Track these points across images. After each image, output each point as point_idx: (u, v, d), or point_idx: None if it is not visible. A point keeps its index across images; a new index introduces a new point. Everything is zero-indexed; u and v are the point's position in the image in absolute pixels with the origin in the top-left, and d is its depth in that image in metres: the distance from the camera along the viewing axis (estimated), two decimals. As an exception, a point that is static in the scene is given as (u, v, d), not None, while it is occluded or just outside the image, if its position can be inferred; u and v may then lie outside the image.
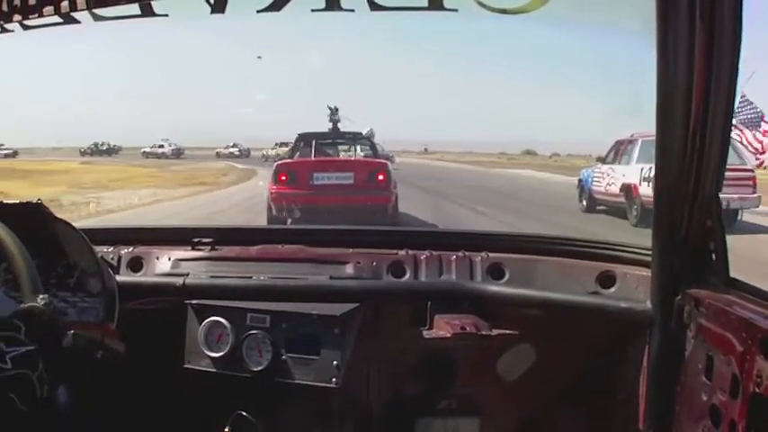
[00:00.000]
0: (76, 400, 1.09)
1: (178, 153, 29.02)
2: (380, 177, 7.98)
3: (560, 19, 1.47)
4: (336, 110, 9.26)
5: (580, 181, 12.22)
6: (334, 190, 7.74)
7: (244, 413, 1.38)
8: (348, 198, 7.61)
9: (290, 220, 7.47)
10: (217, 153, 30.57)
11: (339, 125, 9.58)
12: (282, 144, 23.72)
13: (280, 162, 8.73)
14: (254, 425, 1.38)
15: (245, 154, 30.06)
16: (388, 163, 8.55)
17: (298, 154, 9.09)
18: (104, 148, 29.89)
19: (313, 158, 8.77)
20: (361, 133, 9.53)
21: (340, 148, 9.96)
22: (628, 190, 9.93)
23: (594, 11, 1.47)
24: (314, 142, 9.11)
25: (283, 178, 7.99)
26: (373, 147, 9.45)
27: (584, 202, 11.80)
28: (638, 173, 9.48)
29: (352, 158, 9.17)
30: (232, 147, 31.09)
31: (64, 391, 1.11)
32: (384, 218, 7.49)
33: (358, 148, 9.57)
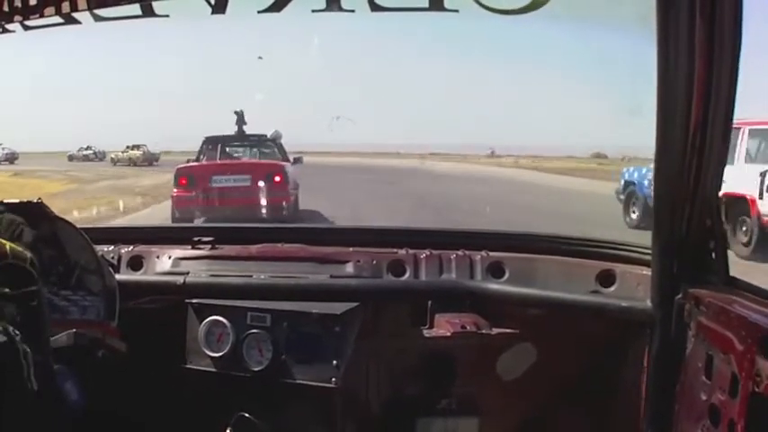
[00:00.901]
0: (86, 398, 1.10)
1: (102, 157, 26.07)
2: (277, 179, 8.17)
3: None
4: (242, 113, 9.23)
5: (628, 185, 9.02)
6: (232, 192, 7.95)
7: (246, 414, 1.38)
8: (246, 199, 7.85)
9: (195, 221, 7.50)
10: (69, 156, 26.33)
11: (248, 128, 9.63)
12: (135, 146, 23.20)
13: (180, 166, 8.85)
14: (257, 426, 1.38)
15: (99, 157, 26.34)
16: (286, 165, 8.70)
17: (204, 157, 9.25)
18: (89, 153, 27.95)
19: (212, 162, 8.94)
20: (265, 135, 9.59)
21: (247, 150, 10.17)
22: (735, 203, 6.79)
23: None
24: (219, 146, 9.34)
25: (184, 182, 8.16)
26: (280, 148, 9.49)
27: (636, 214, 8.63)
28: (754, 178, 6.70)
29: (250, 161, 9.32)
30: (86, 149, 26.84)
31: (74, 388, 1.12)
32: (280, 216, 7.70)
33: (261, 151, 9.74)
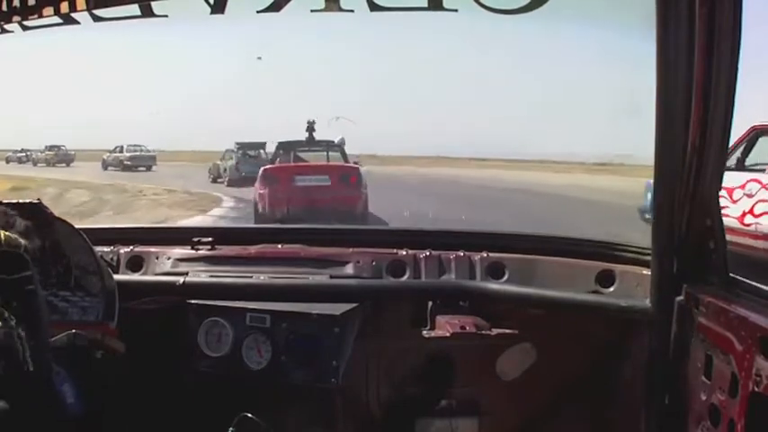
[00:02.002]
0: (83, 401, 1.10)
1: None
2: (352, 179, 9.21)
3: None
4: (313, 122, 10.50)
5: None
6: (313, 190, 8.88)
7: (249, 414, 1.38)
8: (325, 197, 8.73)
9: (278, 215, 8.62)
10: (7, 159, 25.40)
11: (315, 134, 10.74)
12: (53, 147, 23.45)
13: (266, 167, 9.82)
14: (259, 426, 1.38)
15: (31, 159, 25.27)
16: (360, 167, 9.71)
17: (278, 160, 10.32)
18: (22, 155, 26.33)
19: (294, 163, 10.08)
20: (333, 141, 10.58)
21: (314, 154, 11.08)
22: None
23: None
24: (292, 150, 10.50)
25: (269, 181, 9.10)
26: (343, 153, 10.50)
27: None
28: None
29: (328, 163, 10.18)
30: (20, 152, 26.05)
31: (71, 392, 1.12)
32: (354, 214, 8.69)
33: (332, 155, 10.60)
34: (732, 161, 6.07)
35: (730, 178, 5.77)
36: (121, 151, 21.67)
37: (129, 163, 21.30)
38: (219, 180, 16.81)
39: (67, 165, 23.01)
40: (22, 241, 1.03)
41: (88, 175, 17.71)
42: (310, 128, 10.48)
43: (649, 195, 6.71)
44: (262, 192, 9.03)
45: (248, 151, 16.58)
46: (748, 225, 5.70)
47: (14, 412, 0.94)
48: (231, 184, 15.64)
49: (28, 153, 26.01)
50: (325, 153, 10.67)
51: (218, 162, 17.53)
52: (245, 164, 15.98)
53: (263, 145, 16.64)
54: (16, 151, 26.68)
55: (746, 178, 5.86)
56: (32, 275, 1.02)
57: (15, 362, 0.93)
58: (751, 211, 5.72)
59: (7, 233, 1.01)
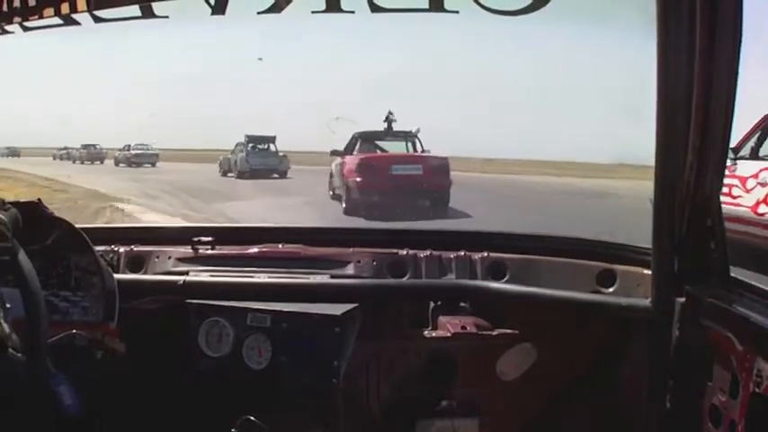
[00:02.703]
0: (82, 402, 1.10)
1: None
2: (442, 169, 10.23)
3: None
4: (391, 113, 11.56)
5: None
6: (406, 178, 9.92)
7: (251, 418, 1.38)
8: (418, 184, 9.87)
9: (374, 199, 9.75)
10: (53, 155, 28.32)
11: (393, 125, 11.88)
12: (88, 146, 24.70)
13: (363, 156, 10.72)
14: (262, 430, 1.38)
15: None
16: (448, 159, 10.73)
17: (357, 150, 11.20)
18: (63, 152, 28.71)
19: (391, 153, 11.25)
20: (411, 131, 11.53)
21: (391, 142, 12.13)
22: None
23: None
24: (372, 138, 11.56)
25: (365, 168, 10.09)
26: (419, 142, 11.59)
27: None
28: None
29: (422, 154, 11.11)
30: (62, 149, 28.41)
31: (69, 393, 1.12)
32: (442, 200, 9.88)
33: (410, 144, 11.66)
34: (746, 150, 6.02)
35: (744, 167, 5.84)
36: (128, 149, 23.10)
37: (134, 160, 22.49)
38: (230, 174, 17.02)
39: (101, 162, 24.22)
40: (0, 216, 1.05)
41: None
42: (389, 119, 11.47)
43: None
44: (358, 179, 9.95)
45: (258, 144, 16.96)
46: (762, 215, 5.58)
47: (10, 412, 0.94)
48: (241, 176, 16.01)
49: (69, 151, 27.60)
50: (402, 143, 11.76)
51: (229, 156, 17.69)
52: (254, 156, 16.58)
53: (272, 138, 17.28)
54: (60, 149, 28.51)
55: (760, 167, 5.75)
56: (13, 247, 1.03)
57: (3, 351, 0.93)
58: (765, 201, 5.60)
59: None
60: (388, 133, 11.65)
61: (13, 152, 29.02)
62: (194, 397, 1.44)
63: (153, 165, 22.50)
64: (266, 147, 17.27)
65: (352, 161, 10.56)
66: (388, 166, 10.25)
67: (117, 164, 22.81)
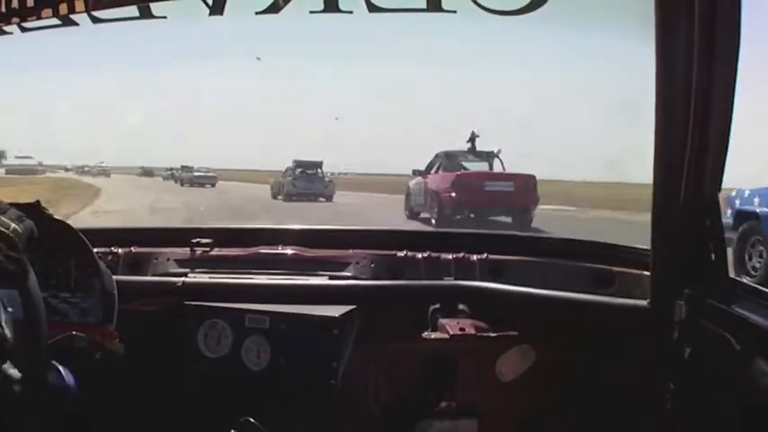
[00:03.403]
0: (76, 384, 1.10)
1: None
2: (531, 186, 10.85)
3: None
4: (475, 132, 12.23)
5: (743, 217, 5.93)
6: (498, 194, 10.60)
7: (251, 419, 1.38)
8: (508, 201, 10.50)
9: (458, 216, 10.46)
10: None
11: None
12: (186, 168, 26.65)
13: (460, 173, 11.39)
14: (261, 431, 1.38)
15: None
16: (535, 177, 11.33)
17: (440, 168, 12.06)
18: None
19: (484, 171, 11.91)
20: (493, 152, 12.20)
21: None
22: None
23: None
24: (457, 158, 12.33)
25: (461, 185, 10.72)
26: (500, 162, 12.23)
27: (760, 263, 5.72)
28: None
29: (513, 172, 11.62)
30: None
31: (61, 376, 1.12)
32: (528, 216, 10.30)
33: (495, 162, 12.28)
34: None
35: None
36: (191, 171, 26.37)
37: (196, 181, 25.13)
38: (279, 197, 17.96)
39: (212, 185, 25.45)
40: (13, 225, 1.04)
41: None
42: (472, 139, 12.13)
43: (730, 211, 5.93)
44: (453, 195, 10.64)
45: (307, 170, 18.13)
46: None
47: (11, 413, 0.93)
48: (287, 199, 17.03)
49: (174, 171, 29.91)
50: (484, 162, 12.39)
51: (280, 179, 18.76)
52: (301, 180, 17.78)
53: (319, 164, 18.52)
54: (173, 169, 30.79)
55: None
56: (21, 258, 1.03)
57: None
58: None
59: None
60: (472, 152, 12.29)
61: (148, 172, 32.67)
62: (193, 398, 1.44)
63: (213, 185, 24.45)
64: (314, 171, 18.29)
65: (444, 178, 11.24)
66: (482, 182, 10.88)
67: (182, 184, 25.15)
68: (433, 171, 12.19)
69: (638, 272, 1.44)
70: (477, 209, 10.58)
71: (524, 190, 10.70)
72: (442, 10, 1.30)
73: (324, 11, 1.32)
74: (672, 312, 1.25)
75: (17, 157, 34.00)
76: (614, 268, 1.51)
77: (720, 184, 1.17)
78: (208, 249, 1.65)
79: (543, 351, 1.48)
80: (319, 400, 1.40)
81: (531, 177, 11.12)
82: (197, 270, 1.60)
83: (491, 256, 1.61)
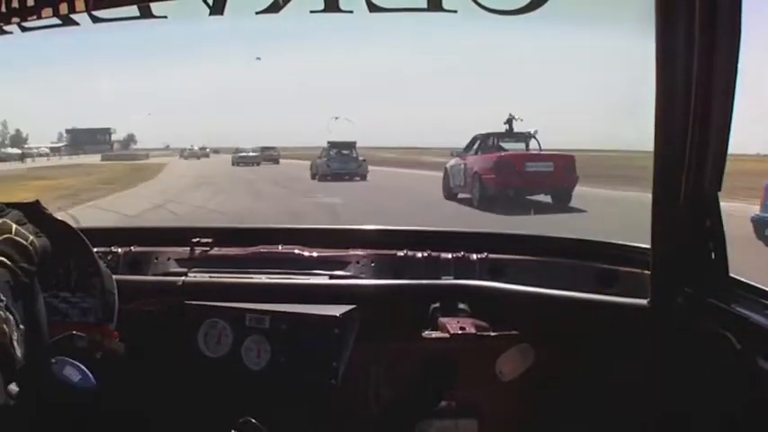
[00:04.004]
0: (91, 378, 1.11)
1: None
2: (570, 166, 11.04)
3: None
4: (513, 116, 12.52)
5: None
6: (539, 175, 10.83)
7: (252, 420, 1.38)
8: (549, 180, 10.78)
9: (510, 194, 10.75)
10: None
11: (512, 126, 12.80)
12: (266, 148, 27.46)
13: (501, 154, 11.64)
14: (261, 431, 1.38)
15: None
16: (574, 157, 11.57)
17: (479, 149, 12.28)
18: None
19: (525, 152, 12.10)
20: (529, 132, 12.44)
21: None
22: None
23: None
24: (495, 140, 12.55)
25: (503, 166, 10.96)
26: (537, 142, 12.55)
27: None
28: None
29: (553, 153, 11.84)
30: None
31: (75, 371, 1.13)
32: (567, 197, 10.60)
33: (532, 142, 12.52)
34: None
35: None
36: (238, 153, 27.48)
37: (240, 161, 26.26)
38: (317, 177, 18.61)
39: (276, 162, 27.24)
40: (31, 237, 1.07)
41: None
42: (509, 121, 12.43)
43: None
44: (494, 176, 10.93)
45: (342, 150, 18.64)
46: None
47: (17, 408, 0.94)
48: (321, 179, 17.57)
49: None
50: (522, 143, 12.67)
51: (317, 160, 19.22)
52: (334, 161, 18.29)
53: (353, 144, 19.16)
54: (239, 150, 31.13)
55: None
56: (34, 271, 1.05)
57: (5, 354, 0.93)
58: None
59: (18, 227, 1.07)
60: (509, 134, 12.54)
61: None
62: (193, 398, 1.44)
63: (277, 162, 26.83)
64: (348, 152, 18.82)
65: (486, 159, 11.43)
66: (523, 163, 11.11)
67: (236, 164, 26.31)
68: (471, 152, 12.38)
69: (638, 271, 1.44)
70: (518, 189, 10.84)
71: (564, 170, 10.92)
72: (442, 9, 1.29)
73: (324, 10, 1.32)
74: (672, 311, 1.25)
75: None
76: (614, 267, 1.51)
77: (721, 182, 1.17)
78: (208, 249, 1.65)
79: (543, 350, 1.47)
80: (319, 399, 1.40)
81: (571, 158, 11.34)
82: (197, 269, 1.60)
83: (491, 256, 1.61)
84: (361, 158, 18.74)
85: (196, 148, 34.25)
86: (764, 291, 1.14)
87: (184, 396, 1.44)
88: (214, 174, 20.79)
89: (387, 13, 1.33)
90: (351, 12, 1.33)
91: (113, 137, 38.46)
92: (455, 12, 1.31)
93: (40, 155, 32.97)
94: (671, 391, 1.26)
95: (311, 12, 1.34)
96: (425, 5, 1.30)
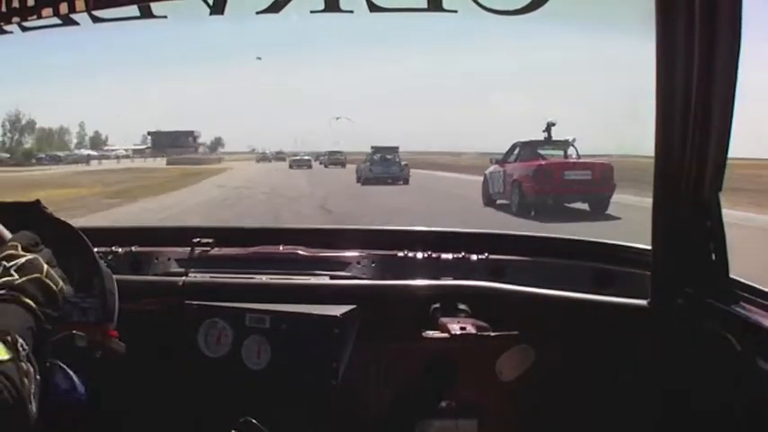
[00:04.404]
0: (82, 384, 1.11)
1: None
2: (608, 173, 11.23)
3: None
4: (552, 122, 12.66)
5: None
6: (576, 183, 11.07)
7: (252, 420, 1.38)
8: (587, 188, 11.00)
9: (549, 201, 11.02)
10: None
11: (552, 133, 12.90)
12: (334, 152, 28.41)
13: (540, 163, 11.75)
14: (261, 431, 1.38)
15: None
16: (613, 165, 11.66)
17: (517, 157, 12.36)
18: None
19: (564, 160, 12.19)
20: (568, 140, 12.56)
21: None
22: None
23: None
24: (534, 147, 12.59)
25: (542, 175, 11.17)
26: (575, 150, 12.70)
27: None
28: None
29: (592, 161, 11.96)
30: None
31: (65, 379, 1.12)
32: (604, 205, 10.74)
33: (570, 150, 12.60)
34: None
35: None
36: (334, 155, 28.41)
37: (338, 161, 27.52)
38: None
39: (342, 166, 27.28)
40: (61, 283, 1.05)
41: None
42: (548, 128, 12.55)
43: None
44: (534, 184, 11.16)
45: (386, 155, 19.20)
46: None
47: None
48: (365, 183, 18.07)
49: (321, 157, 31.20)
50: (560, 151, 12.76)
51: (361, 165, 19.97)
52: (377, 165, 18.91)
53: (396, 149, 19.63)
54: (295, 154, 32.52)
55: None
56: (57, 318, 1.03)
57: (17, 401, 0.89)
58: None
59: (50, 270, 1.04)
60: (548, 142, 12.69)
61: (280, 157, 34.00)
62: (193, 397, 1.44)
63: (343, 166, 26.93)
64: (391, 156, 19.21)
65: (526, 167, 11.61)
66: (562, 171, 11.34)
67: (326, 166, 27.80)
68: (511, 159, 12.55)
69: (639, 271, 1.44)
70: (557, 197, 11.13)
71: (601, 178, 11.11)
72: (443, 10, 1.30)
73: (324, 10, 1.32)
74: (672, 312, 1.25)
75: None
76: (614, 268, 1.51)
77: (721, 183, 1.17)
78: (208, 249, 1.65)
79: (543, 351, 1.48)
80: (319, 399, 1.41)
81: (608, 166, 11.53)
82: (197, 269, 1.60)
83: (491, 256, 1.61)
84: (403, 163, 19.22)
85: (268, 152, 35.62)
86: (765, 292, 1.15)
87: (184, 396, 1.44)
88: (259, 182, 19.98)
89: (387, 13, 1.33)
90: (351, 12, 1.33)
91: (200, 140, 38.94)
92: (455, 12, 1.31)
93: (118, 157, 33.92)
94: (671, 390, 1.26)
95: (312, 12, 1.34)
96: (425, 5, 1.30)
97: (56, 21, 1.38)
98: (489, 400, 1.51)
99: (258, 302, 1.43)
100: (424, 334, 1.47)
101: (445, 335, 1.43)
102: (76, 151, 34.26)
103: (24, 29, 1.39)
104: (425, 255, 1.61)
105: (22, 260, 1.01)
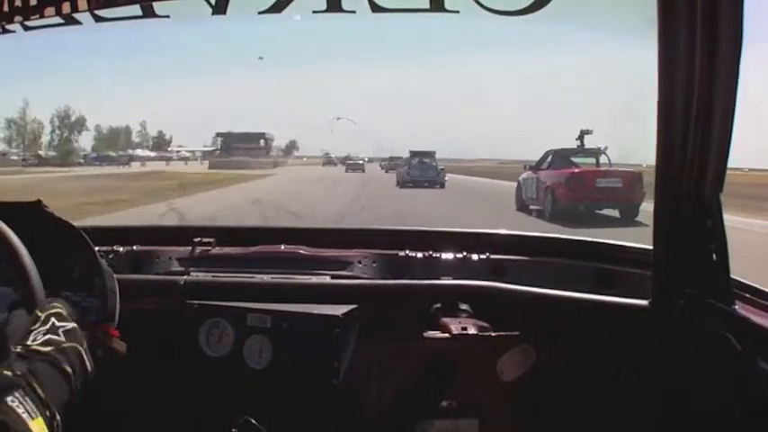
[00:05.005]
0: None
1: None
2: (638, 182, 11.20)
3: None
4: (585, 132, 12.94)
5: None
6: (607, 190, 11.29)
7: (251, 420, 1.38)
8: (617, 196, 11.21)
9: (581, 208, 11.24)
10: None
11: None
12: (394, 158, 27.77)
13: (573, 171, 12.14)
14: (261, 431, 1.38)
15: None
16: (642, 173, 11.72)
17: (551, 164, 12.61)
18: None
19: (595, 168, 12.50)
20: (599, 148, 12.92)
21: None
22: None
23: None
24: (567, 156, 12.98)
25: (574, 182, 11.46)
26: (607, 158, 12.98)
27: None
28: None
29: (623, 169, 12.12)
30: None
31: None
32: (634, 212, 10.80)
33: (598, 159, 12.96)
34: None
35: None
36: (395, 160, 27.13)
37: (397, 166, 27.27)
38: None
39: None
40: (91, 364, 1.06)
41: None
42: (581, 136, 12.86)
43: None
44: (566, 191, 11.45)
45: (423, 159, 19.65)
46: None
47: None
48: (402, 186, 18.51)
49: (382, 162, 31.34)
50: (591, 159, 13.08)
51: (399, 168, 20.60)
52: (414, 169, 19.35)
53: (432, 153, 20.08)
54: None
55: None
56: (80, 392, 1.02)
57: None
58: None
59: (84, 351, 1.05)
60: (581, 150, 13.06)
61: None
62: (194, 397, 1.44)
63: (363, 170, 27.67)
64: (429, 160, 19.58)
65: (559, 175, 11.94)
66: (594, 179, 11.61)
67: (346, 170, 28.31)
68: (544, 167, 12.82)
69: (640, 271, 1.44)
70: (589, 204, 11.44)
71: (631, 186, 11.25)
72: (444, 10, 1.30)
73: (326, 10, 1.32)
74: (673, 312, 1.25)
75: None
76: (615, 268, 1.51)
77: (722, 184, 1.17)
78: (209, 248, 1.65)
79: (544, 351, 1.48)
80: (320, 399, 1.41)
81: (638, 174, 11.62)
82: (199, 269, 1.60)
83: (492, 256, 1.61)
84: (440, 167, 19.49)
85: (334, 156, 35.38)
86: (766, 292, 1.15)
87: (186, 395, 1.44)
88: (289, 192, 17.87)
89: (389, 13, 1.33)
90: (353, 12, 1.33)
91: (274, 143, 37.57)
92: (457, 12, 1.31)
93: (181, 158, 33.95)
94: (671, 391, 1.26)
95: (314, 12, 1.34)
96: (428, 6, 1.30)
97: (58, 20, 1.38)
98: (490, 399, 1.51)
99: (259, 302, 1.43)
100: (425, 334, 1.47)
101: (446, 335, 1.43)
102: (130, 151, 33.83)
103: (27, 28, 1.40)
104: (427, 254, 1.61)
105: (70, 326, 1.04)
